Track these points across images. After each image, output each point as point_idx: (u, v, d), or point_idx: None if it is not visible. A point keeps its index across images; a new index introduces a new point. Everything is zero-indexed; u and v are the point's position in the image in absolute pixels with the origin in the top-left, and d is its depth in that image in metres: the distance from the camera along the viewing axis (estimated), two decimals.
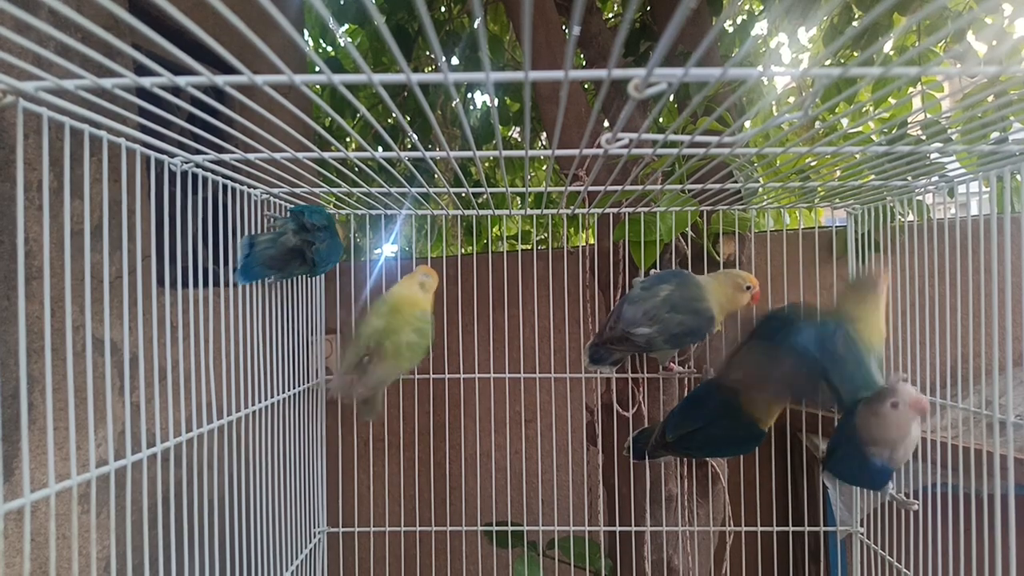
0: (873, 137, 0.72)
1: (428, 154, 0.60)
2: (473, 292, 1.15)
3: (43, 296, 0.51)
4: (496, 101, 1.91)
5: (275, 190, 0.89)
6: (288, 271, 0.88)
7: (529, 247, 1.23)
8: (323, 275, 1.12)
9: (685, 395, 1.02)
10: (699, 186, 0.81)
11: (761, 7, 1.72)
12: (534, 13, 1.12)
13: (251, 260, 0.84)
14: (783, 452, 1.27)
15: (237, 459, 0.83)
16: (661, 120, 1.73)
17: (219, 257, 0.87)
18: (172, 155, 0.67)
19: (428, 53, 2.01)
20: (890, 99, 1.29)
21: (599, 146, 0.55)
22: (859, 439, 0.70)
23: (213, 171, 0.74)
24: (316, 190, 0.86)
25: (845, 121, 1.30)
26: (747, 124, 0.75)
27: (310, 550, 1.06)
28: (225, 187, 0.81)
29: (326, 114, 0.67)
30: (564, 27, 1.15)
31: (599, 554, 1.11)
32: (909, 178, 0.80)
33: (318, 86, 1.54)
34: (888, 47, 1.56)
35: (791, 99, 1.74)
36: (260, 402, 0.89)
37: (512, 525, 1.17)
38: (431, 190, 0.81)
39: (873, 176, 0.79)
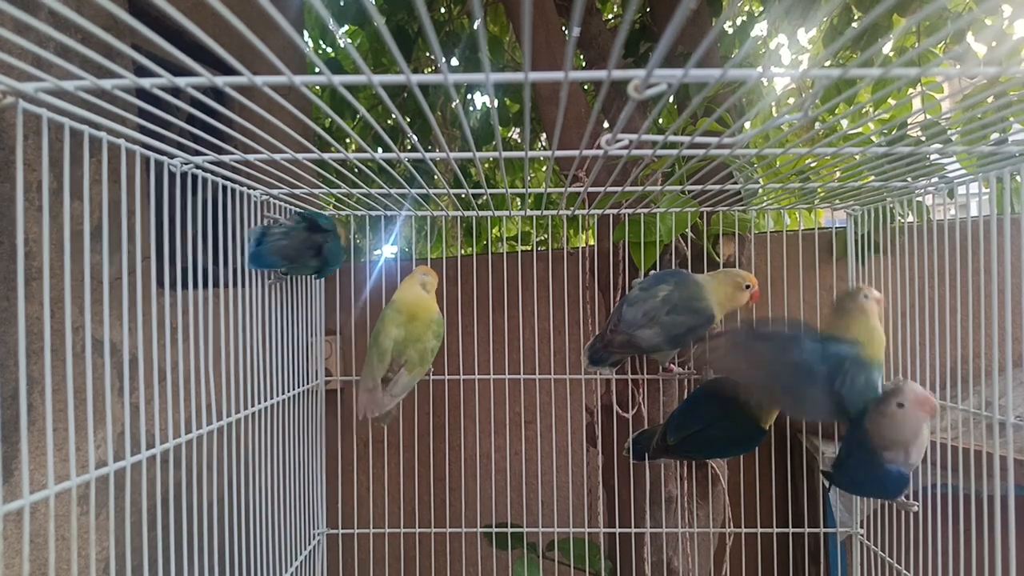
0: (873, 138, 0.72)
1: (428, 155, 0.60)
2: (473, 293, 1.15)
3: (43, 297, 0.51)
4: (496, 102, 1.91)
5: (275, 191, 0.89)
6: (300, 263, 0.90)
7: (529, 248, 1.23)
8: (323, 277, 1.13)
9: (685, 396, 1.02)
10: (699, 187, 0.81)
11: (761, 8, 1.72)
12: (534, 14, 1.12)
13: (263, 249, 0.85)
14: (783, 453, 1.27)
15: (237, 460, 0.83)
16: (661, 121, 1.74)
17: (219, 258, 0.87)
18: (172, 156, 0.67)
19: (428, 54, 2.02)
20: (890, 100, 1.29)
21: (599, 147, 0.55)
22: (871, 445, 0.69)
23: (213, 172, 0.74)
24: (316, 191, 0.86)
25: (845, 122, 1.29)
26: (747, 125, 0.75)
27: (309, 551, 1.06)
28: (225, 188, 0.81)
29: (326, 115, 0.67)
30: (564, 28, 1.15)
31: (599, 556, 1.11)
32: (909, 179, 0.80)
33: (318, 87, 1.54)
34: (888, 48, 1.56)
35: (791, 100, 1.74)
36: (260, 403, 0.89)
37: (512, 527, 1.17)
38: (431, 191, 0.81)
39: (873, 177, 0.79)
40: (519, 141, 2.45)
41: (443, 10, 1.88)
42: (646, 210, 0.96)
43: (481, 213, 1.01)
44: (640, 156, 0.63)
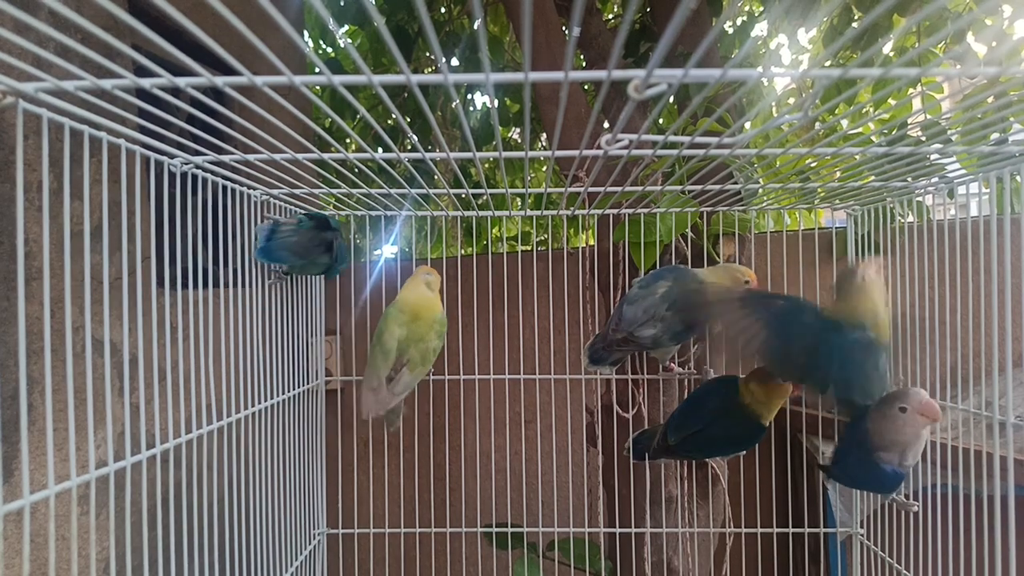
0: (873, 138, 0.72)
1: (428, 155, 0.60)
2: (473, 293, 1.15)
3: (43, 297, 0.51)
4: (496, 102, 1.91)
5: (275, 191, 0.89)
6: (310, 259, 0.90)
7: (529, 248, 1.23)
8: (323, 277, 1.13)
9: (685, 396, 1.02)
10: (699, 187, 0.81)
11: (761, 8, 1.72)
12: (534, 14, 1.12)
13: (273, 244, 0.85)
14: (783, 453, 1.27)
15: (237, 460, 0.83)
16: (661, 121, 1.74)
17: (219, 258, 0.87)
18: (172, 156, 0.67)
19: (428, 54, 2.02)
20: (890, 100, 1.29)
21: (599, 147, 0.55)
22: (870, 444, 0.70)
23: (213, 172, 0.74)
24: (316, 191, 0.86)
25: (845, 122, 1.29)
26: (747, 125, 0.75)
27: (310, 551, 1.06)
28: (225, 188, 0.81)
29: (326, 115, 0.67)
30: (564, 28, 1.15)
31: (599, 555, 1.11)
32: (909, 179, 0.80)
33: (318, 87, 1.54)
34: (888, 48, 1.56)
35: (791, 100, 1.74)
36: (260, 403, 0.89)
37: (512, 526, 1.17)
38: (431, 191, 0.81)
39: (873, 177, 0.79)
40: (519, 141, 2.45)
41: (443, 10, 1.88)
42: (646, 210, 0.96)
43: (481, 213, 1.01)
44: (640, 156, 0.63)
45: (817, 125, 0.81)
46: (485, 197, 0.82)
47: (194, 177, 0.72)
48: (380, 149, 1.44)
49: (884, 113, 0.94)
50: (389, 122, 1.99)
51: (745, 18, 1.79)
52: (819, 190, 0.87)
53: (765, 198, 0.93)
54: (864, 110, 1.42)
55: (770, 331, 0.71)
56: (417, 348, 0.85)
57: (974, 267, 0.81)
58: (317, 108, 1.65)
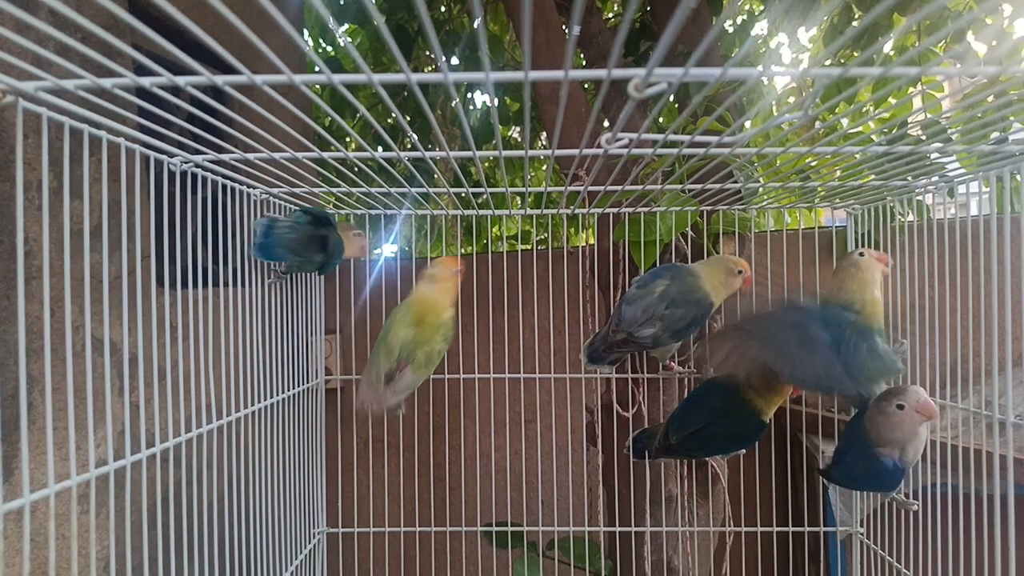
0: (873, 137, 0.72)
1: (428, 154, 0.60)
2: (473, 292, 1.15)
3: (43, 296, 0.51)
4: (496, 101, 1.91)
5: (275, 190, 0.89)
6: (306, 257, 0.90)
7: (529, 247, 1.23)
8: (323, 276, 1.13)
9: (685, 395, 1.02)
10: (699, 186, 0.81)
11: (761, 7, 1.72)
12: (534, 13, 1.12)
13: (271, 241, 0.85)
14: (783, 452, 1.27)
15: (236, 459, 0.83)
16: (661, 120, 1.73)
17: (219, 257, 0.87)
18: (172, 155, 0.67)
19: (428, 53, 2.02)
20: (890, 99, 1.28)
21: (599, 146, 0.55)
22: (868, 441, 0.70)
23: (213, 171, 0.74)
24: (316, 190, 0.86)
25: (845, 121, 1.29)
26: (747, 124, 0.75)
27: (309, 550, 1.06)
28: (225, 187, 0.81)
29: (326, 114, 0.67)
30: (564, 27, 1.15)
31: (599, 555, 1.11)
32: (909, 178, 0.80)
33: (318, 86, 1.54)
34: (888, 47, 1.56)
35: (791, 99, 1.74)
36: (260, 402, 0.89)
37: (512, 526, 1.17)
38: (431, 190, 0.81)
39: (873, 176, 0.79)
40: (519, 140, 2.45)
41: (443, 9, 1.88)
42: (646, 209, 0.96)
43: (481, 212, 1.01)
44: (640, 155, 0.63)
45: (817, 124, 0.81)
46: (485, 196, 0.82)
47: (194, 176, 0.72)
48: (380, 148, 1.44)
49: (884, 112, 0.94)
50: (389, 121, 1.99)
51: (745, 17, 1.79)
52: (819, 189, 0.87)
53: (765, 197, 0.93)
54: (864, 109, 1.42)
55: (772, 348, 0.72)
56: (422, 350, 0.85)
57: (974, 266, 0.82)
58: (317, 107, 1.65)
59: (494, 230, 2.10)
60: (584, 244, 1.41)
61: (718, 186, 0.81)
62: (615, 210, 0.98)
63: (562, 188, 0.82)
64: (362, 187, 0.81)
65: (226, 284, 0.86)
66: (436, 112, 2.00)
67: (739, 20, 1.78)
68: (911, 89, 1.30)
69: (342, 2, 1.81)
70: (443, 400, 1.37)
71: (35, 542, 0.62)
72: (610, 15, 1.77)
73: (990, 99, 0.57)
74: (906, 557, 0.87)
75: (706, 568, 1.08)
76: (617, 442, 1.08)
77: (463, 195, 0.95)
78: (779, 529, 1.16)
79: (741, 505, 1.17)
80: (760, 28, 1.75)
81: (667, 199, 0.93)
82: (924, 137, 0.72)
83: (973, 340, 1.15)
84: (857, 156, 0.66)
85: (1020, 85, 0.52)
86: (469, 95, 2.17)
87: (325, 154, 0.65)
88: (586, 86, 1.51)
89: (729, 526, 1.07)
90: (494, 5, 1.87)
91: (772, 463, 1.13)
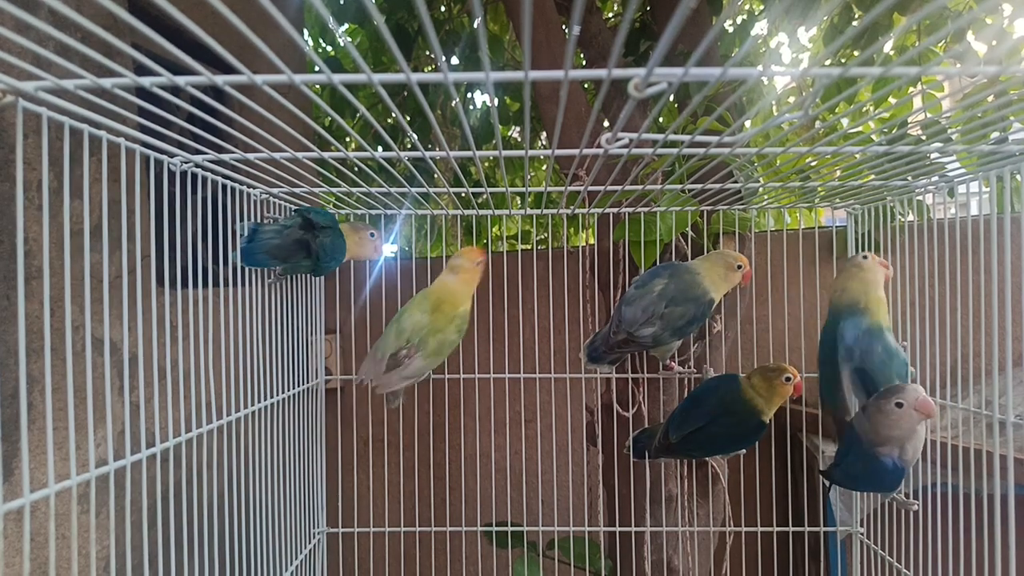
0: (873, 137, 0.72)
1: (428, 154, 0.60)
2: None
3: (43, 296, 0.51)
4: (496, 101, 1.91)
5: (275, 190, 0.89)
6: (292, 263, 0.89)
7: (529, 247, 1.23)
8: (323, 276, 1.12)
9: (685, 395, 1.02)
10: (699, 186, 0.81)
11: (761, 7, 1.72)
12: (534, 13, 1.12)
13: (254, 247, 0.84)
14: (783, 452, 1.27)
15: (237, 459, 0.83)
16: (661, 120, 1.73)
17: (219, 257, 0.87)
18: (172, 155, 0.67)
19: (428, 53, 2.01)
20: (890, 99, 1.29)
21: (599, 146, 0.55)
22: (868, 440, 0.71)
23: (213, 171, 0.74)
24: (316, 190, 0.86)
25: (845, 121, 1.30)
26: (747, 124, 0.75)
27: (310, 550, 1.06)
28: (225, 187, 0.81)
29: (326, 114, 0.67)
30: (564, 27, 1.15)
31: (599, 554, 1.11)
32: (909, 178, 0.80)
33: (318, 86, 1.54)
34: (888, 47, 1.56)
35: (791, 99, 1.74)
36: (260, 402, 0.89)
37: (512, 525, 1.17)
38: (431, 190, 0.81)
39: (873, 176, 0.79)
40: (519, 140, 2.45)
41: (443, 9, 1.88)
42: (646, 209, 0.96)
43: (481, 212, 1.01)
44: (640, 155, 0.63)
45: (817, 124, 0.81)
46: (485, 196, 0.82)
47: (194, 176, 0.72)
48: (380, 148, 1.43)
49: (884, 112, 0.94)
50: (389, 121, 1.99)
51: (745, 17, 1.79)
52: (819, 189, 0.87)
53: (765, 197, 0.93)
54: (864, 109, 1.42)
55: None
56: (435, 338, 0.85)
57: (974, 266, 0.82)
58: (317, 107, 1.65)
59: (494, 230, 2.10)
60: (584, 244, 1.41)
61: (718, 186, 0.81)
62: (615, 210, 0.98)
63: (562, 188, 0.82)
64: (362, 187, 0.81)
65: (226, 284, 0.86)
66: (436, 112, 2.00)
67: (739, 20, 1.78)
68: (911, 89, 1.30)
69: (342, 2, 1.81)
70: (443, 399, 1.37)
71: (35, 542, 0.63)
72: (610, 15, 1.77)
73: (990, 99, 0.57)
74: (906, 557, 0.87)
75: (706, 568, 1.08)
76: (617, 442, 1.08)
77: (463, 195, 0.95)
78: (779, 529, 1.16)
79: (741, 505, 1.17)
80: (760, 28, 1.75)
81: (667, 199, 0.93)
82: (924, 137, 0.72)
83: (973, 340, 1.15)
84: (857, 156, 0.66)
85: (1020, 85, 0.52)
86: (469, 95, 2.17)
87: (325, 154, 0.65)
88: (586, 86, 1.51)
89: (729, 526, 1.07)
90: (494, 5, 1.87)
91: (772, 463, 1.13)
